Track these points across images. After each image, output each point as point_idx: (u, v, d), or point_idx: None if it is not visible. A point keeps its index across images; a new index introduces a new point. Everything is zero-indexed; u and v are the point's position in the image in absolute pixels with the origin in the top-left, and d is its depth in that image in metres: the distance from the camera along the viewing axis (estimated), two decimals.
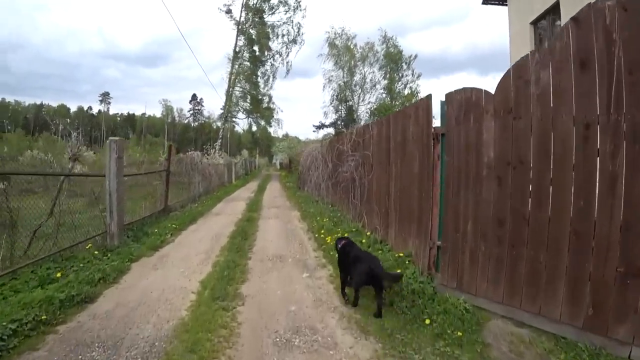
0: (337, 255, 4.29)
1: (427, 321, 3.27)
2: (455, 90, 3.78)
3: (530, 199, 3.11)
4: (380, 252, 5.06)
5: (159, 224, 8.00)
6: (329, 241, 5.81)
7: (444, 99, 3.90)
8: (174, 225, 7.77)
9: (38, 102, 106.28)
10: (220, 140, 30.99)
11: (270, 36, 31.92)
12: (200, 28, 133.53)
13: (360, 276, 3.62)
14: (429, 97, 4.14)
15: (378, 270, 3.56)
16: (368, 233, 5.84)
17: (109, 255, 5.53)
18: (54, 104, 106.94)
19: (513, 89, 3.24)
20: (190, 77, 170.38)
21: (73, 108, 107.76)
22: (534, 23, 11.34)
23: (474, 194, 3.57)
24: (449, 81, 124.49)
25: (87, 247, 5.59)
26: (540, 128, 3.02)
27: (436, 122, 4.14)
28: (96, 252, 5.48)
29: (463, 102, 3.68)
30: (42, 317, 3.40)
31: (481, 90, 3.57)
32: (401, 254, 4.52)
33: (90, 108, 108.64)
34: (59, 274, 4.42)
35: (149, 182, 9.40)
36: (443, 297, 3.62)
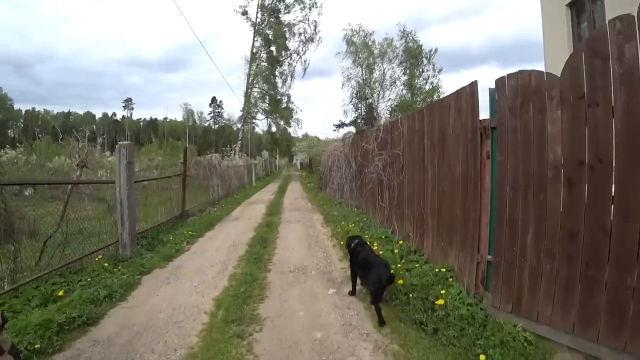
0: (349, 254, 4.33)
1: (482, 357, 2.68)
2: (508, 75, 3.17)
3: (612, 207, 2.48)
4: (415, 264, 4.48)
5: (175, 231, 7.65)
6: None
7: (493, 86, 3.30)
8: (190, 232, 7.40)
9: (66, 110, 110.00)
10: (240, 142, 30.89)
11: (287, 35, 31.63)
12: (219, 32, 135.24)
13: (374, 285, 3.56)
14: (473, 84, 3.53)
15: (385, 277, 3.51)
16: (400, 241, 5.25)
17: (120, 267, 5.17)
18: (81, 112, 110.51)
19: (586, 69, 2.61)
20: (210, 80, 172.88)
21: (98, 115, 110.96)
22: (571, 4, 10.44)
23: (536, 200, 2.95)
24: (470, 75, 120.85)
25: (96, 259, 5.25)
26: (626, 117, 2.38)
27: (483, 114, 3.53)
28: (106, 264, 5.12)
29: (519, 88, 3.06)
30: (36, 346, 3.00)
31: (542, 73, 2.94)
32: (442, 269, 3.91)
33: (114, 114, 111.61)
34: (61, 292, 4.04)
35: (170, 187, 9.11)
36: (497, 324, 3.02)
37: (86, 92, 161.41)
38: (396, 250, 4.87)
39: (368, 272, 3.73)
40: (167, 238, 6.96)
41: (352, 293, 4.11)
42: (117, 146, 5.72)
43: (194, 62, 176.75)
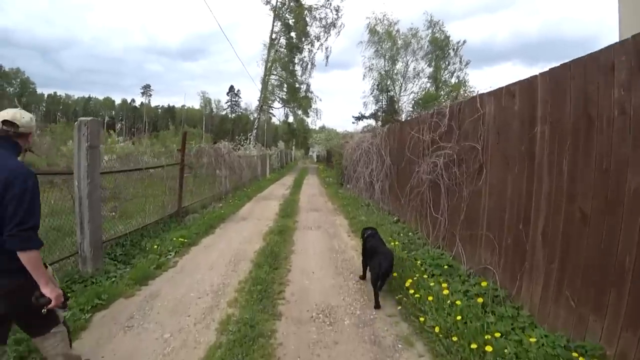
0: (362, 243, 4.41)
1: None
2: None
3: None
4: (512, 325, 2.76)
5: (164, 235, 6.10)
6: (413, 294, 3.50)
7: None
8: (182, 239, 5.80)
9: (87, 96, 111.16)
10: (255, 131, 29.32)
11: (308, 19, 29.77)
12: (238, 21, 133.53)
13: (376, 272, 3.62)
14: None
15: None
16: (482, 282, 3.47)
17: (70, 294, 3.61)
18: (101, 97, 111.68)
19: None
20: (229, 69, 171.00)
21: (118, 101, 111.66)
22: None
23: None
24: (493, 72, 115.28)
25: None
26: None
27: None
28: None
29: None
30: None
31: None
32: (596, 356, 2.17)
33: (133, 100, 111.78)
34: None
35: (172, 177, 7.55)
36: None
37: (107, 79, 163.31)
38: (480, 299, 3.11)
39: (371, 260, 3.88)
40: (151, 245, 5.41)
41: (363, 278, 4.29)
42: (75, 124, 4.12)
43: (213, 52, 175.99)
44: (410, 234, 5.62)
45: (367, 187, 9.02)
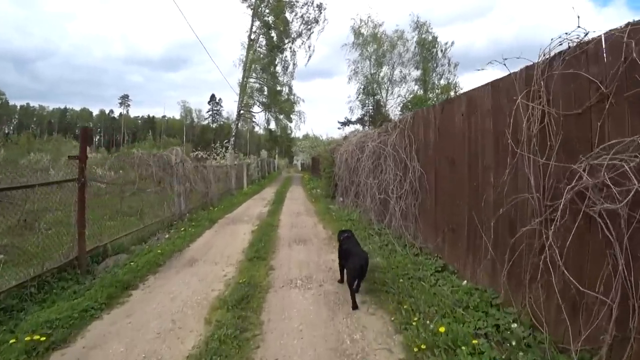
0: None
1: None
2: None
3: None
4: None
5: (24, 315, 3.23)
6: None
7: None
8: (38, 335, 2.92)
9: (62, 107, 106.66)
10: (233, 139, 26.40)
11: (288, 16, 27.34)
12: (219, 30, 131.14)
13: (352, 272, 3.64)
14: None
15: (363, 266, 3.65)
16: None
17: None
18: (78, 109, 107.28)
19: None
20: (211, 79, 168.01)
21: (95, 112, 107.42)
22: None
23: None
24: (473, 78, 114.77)
25: None
26: None
27: None
28: None
29: None
30: None
31: None
32: None
33: (111, 111, 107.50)
34: None
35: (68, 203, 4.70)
36: None
37: (86, 90, 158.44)
38: None
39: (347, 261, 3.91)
40: None
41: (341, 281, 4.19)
42: None
43: (195, 61, 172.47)
44: (495, 313, 2.77)
45: (377, 207, 6.24)
